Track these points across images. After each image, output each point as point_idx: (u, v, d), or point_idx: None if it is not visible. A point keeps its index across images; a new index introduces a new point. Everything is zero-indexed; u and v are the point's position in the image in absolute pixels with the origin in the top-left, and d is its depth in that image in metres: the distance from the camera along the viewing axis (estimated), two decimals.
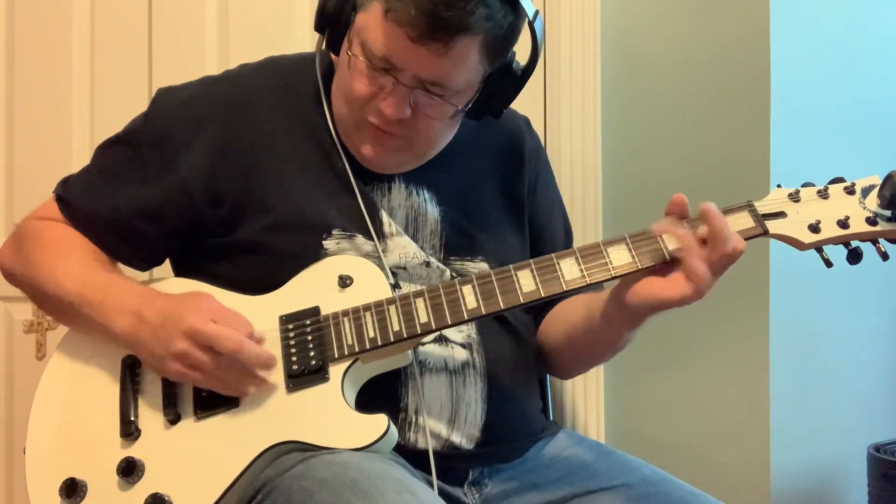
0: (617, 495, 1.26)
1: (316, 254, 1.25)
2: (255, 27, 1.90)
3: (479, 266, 1.33)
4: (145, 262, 1.36)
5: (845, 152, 1.86)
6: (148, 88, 1.91)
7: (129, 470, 1.15)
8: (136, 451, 1.17)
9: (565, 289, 1.17)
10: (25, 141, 1.98)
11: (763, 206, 1.18)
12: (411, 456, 1.20)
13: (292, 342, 1.19)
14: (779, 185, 1.20)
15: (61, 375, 1.26)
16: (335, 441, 1.12)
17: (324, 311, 1.20)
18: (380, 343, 1.17)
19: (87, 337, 1.26)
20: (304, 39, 1.86)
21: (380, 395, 1.20)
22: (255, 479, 1.13)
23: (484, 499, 1.27)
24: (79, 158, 1.84)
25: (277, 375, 1.18)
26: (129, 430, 1.18)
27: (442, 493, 1.18)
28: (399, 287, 1.25)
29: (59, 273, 1.25)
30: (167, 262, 1.39)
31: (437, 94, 1.20)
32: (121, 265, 1.34)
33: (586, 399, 1.80)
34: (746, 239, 1.14)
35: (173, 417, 1.18)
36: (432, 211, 1.33)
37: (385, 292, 1.20)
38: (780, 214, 1.17)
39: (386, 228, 1.29)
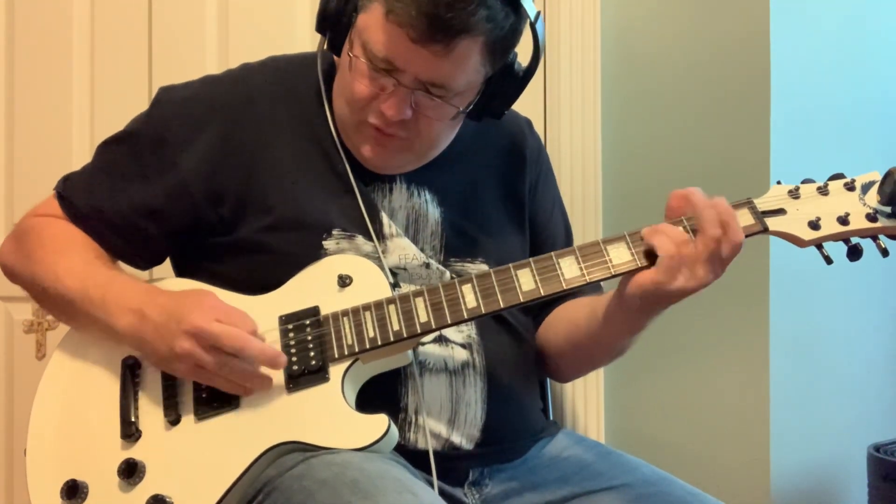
0: (617, 495, 1.26)
1: (316, 254, 1.25)
2: (255, 27, 1.90)
3: (479, 267, 1.32)
4: (146, 260, 1.35)
5: (845, 152, 1.86)
6: (148, 88, 1.91)
7: (130, 471, 1.15)
8: (136, 452, 1.17)
9: (565, 287, 1.17)
10: (25, 141, 1.98)
11: (763, 203, 1.18)
12: (411, 456, 1.20)
13: (292, 342, 1.19)
14: (778, 182, 1.20)
15: (61, 376, 1.26)
16: (336, 441, 1.12)
17: (323, 311, 1.20)
18: (380, 343, 1.17)
19: (87, 337, 1.26)
20: (304, 39, 1.86)
21: (380, 395, 1.20)
22: (255, 480, 1.13)
23: (484, 499, 1.27)
24: (79, 158, 1.84)
25: (278, 376, 1.17)
26: (130, 432, 1.18)
27: (442, 494, 1.18)
28: (399, 286, 1.25)
29: (60, 270, 1.24)
30: (167, 262, 1.39)
31: (439, 95, 1.20)
32: (121, 264, 1.34)
33: (586, 399, 1.80)
34: (746, 236, 1.14)
35: (174, 418, 1.18)
36: (433, 212, 1.33)
37: (385, 292, 1.20)
38: (780, 211, 1.17)
39: (386, 230, 1.29)
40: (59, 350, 1.29)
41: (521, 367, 1.35)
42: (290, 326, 1.20)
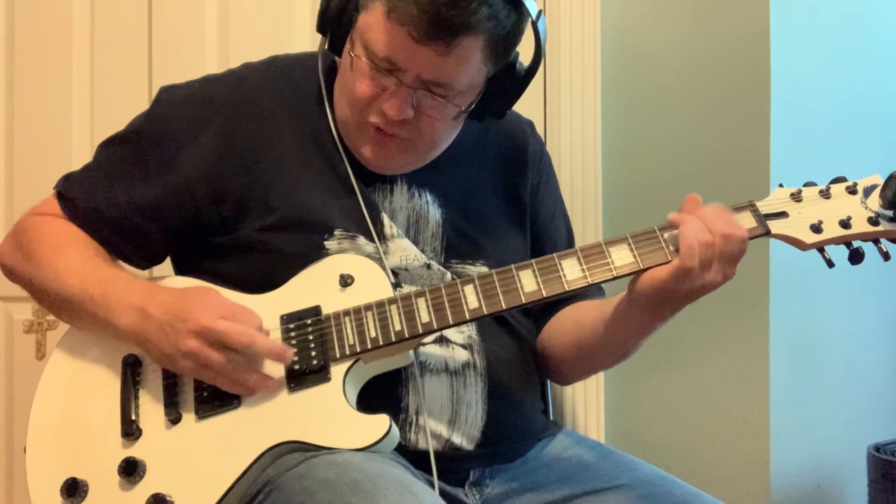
0: (617, 495, 1.26)
1: (318, 254, 1.25)
2: (255, 27, 1.90)
3: (479, 269, 1.32)
4: (146, 259, 1.35)
5: (845, 152, 1.86)
6: (148, 88, 1.91)
7: (131, 470, 1.15)
8: (137, 450, 1.17)
9: (567, 289, 1.16)
10: (25, 141, 1.98)
11: (765, 206, 1.18)
12: (412, 456, 1.20)
13: (293, 342, 1.19)
14: (781, 185, 1.20)
15: (62, 374, 1.26)
16: (337, 441, 1.12)
17: (325, 311, 1.20)
18: (381, 343, 1.16)
19: (88, 335, 1.26)
20: (303, 39, 1.86)
21: (380, 395, 1.20)
22: (256, 479, 1.12)
23: (485, 499, 1.27)
24: (79, 158, 1.84)
25: (279, 375, 1.17)
26: (131, 430, 1.18)
27: (443, 494, 1.17)
28: (400, 286, 1.25)
29: (59, 268, 1.24)
30: (167, 260, 1.39)
31: (440, 94, 1.20)
32: (121, 262, 1.33)
33: (586, 399, 1.80)
34: (749, 239, 1.15)
35: (174, 417, 1.18)
36: (434, 213, 1.33)
37: (386, 292, 1.20)
38: (782, 214, 1.17)
39: (387, 230, 1.29)
40: (60, 348, 1.28)
41: (522, 367, 1.35)
42: (292, 326, 1.20)
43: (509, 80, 1.26)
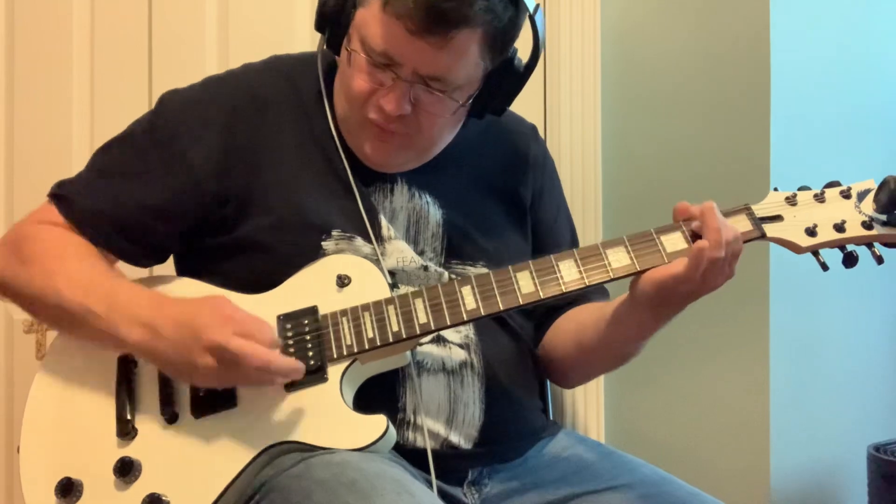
0: (617, 495, 1.26)
1: (315, 254, 1.25)
2: (255, 27, 1.90)
3: (480, 271, 1.32)
4: (149, 259, 1.33)
5: (845, 154, 1.86)
6: (148, 89, 1.91)
7: (126, 470, 1.14)
8: (132, 450, 1.17)
9: (564, 290, 1.17)
10: (25, 141, 1.97)
11: (760, 210, 1.19)
12: (410, 455, 1.20)
13: (290, 342, 1.19)
14: (776, 189, 1.21)
15: (56, 373, 1.25)
16: (334, 441, 1.12)
17: (322, 311, 1.20)
18: (379, 343, 1.16)
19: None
20: (303, 39, 1.86)
21: (377, 395, 1.20)
22: (253, 479, 1.12)
23: (483, 498, 1.27)
24: (79, 159, 1.84)
25: None
26: (126, 430, 1.18)
27: (441, 493, 1.18)
28: (397, 287, 1.25)
29: (57, 279, 1.19)
30: (170, 260, 1.39)
31: (438, 89, 1.20)
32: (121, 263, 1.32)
33: (586, 399, 1.80)
34: (744, 242, 1.16)
35: (170, 417, 1.17)
36: (434, 213, 1.33)
37: (384, 292, 1.20)
38: (777, 218, 1.19)
39: (384, 232, 1.29)
40: (54, 347, 1.28)
41: (520, 366, 1.35)
42: (289, 326, 1.20)
43: (508, 76, 1.26)
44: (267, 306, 1.21)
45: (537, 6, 1.22)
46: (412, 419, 1.22)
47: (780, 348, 1.73)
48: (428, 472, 1.19)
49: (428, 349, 1.24)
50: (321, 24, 1.25)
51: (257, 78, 1.34)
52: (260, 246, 1.26)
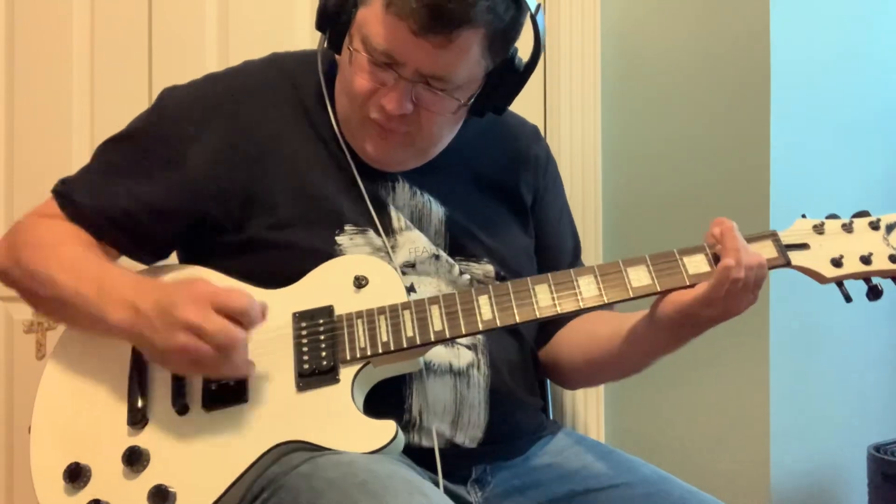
0: (617, 494, 1.26)
1: (329, 249, 1.24)
2: (255, 27, 1.90)
3: (484, 268, 1.32)
4: (151, 255, 1.33)
5: (846, 155, 1.86)
6: (148, 88, 1.91)
7: (134, 459, 1.14)
8: (142, 440, 1.16)
9: (582, 306, 1.16)
10: (25, 141, 1.98)
11: (787, 237, 1.18)
12: (414, 454, 1.20)
13: (304, 340, 1.18)
14: (803, 216, 1.20)
15: (70, 358, 1.25)
16: (342, 444, 1.11)
17: (338, 311, 1.19)
18: (392, 348, 1.16)
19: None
20: (303, 39, 1.86)
21: (383, 395, 1.20)
22: (260, 476, 1.12)
23: (486, 497, 1.27)
24: (79, 158, 1.83)
25: (288, 373, 1.17)
26: (136, 419, 1.17)
27: (446, 492, 1.17)
28: (414, 290, 1.25)
29: (52, 267, 1.21)
30: (173, 256, 1.38)
31: (439, 88, 1.20)
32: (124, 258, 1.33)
33: (586, 399, 1.80)
34: (769, 269, 1.15)
35: (181, 408, 1.17)
36: (436, 211, 1.33)
37: (400, 296, 1.20)
38: (804, 246, 1.18)
39: (395, 223, 1.29)
40: (68, 332, 1.27)
41: (522, 366, 1.35)
42: (304, 324, 1.19)
43: (508, 75, 1.25)
44: (283, 302, 1.20)
45: (538, 6, 1.22)
46: (418, 420, 1.22)
47: (780, 348, 1.73)
48: (432, 471, 1.19)
49: (436, 350, 1.23)
50: (322, 23, 1.25)
51: (258, 75, 1.34)
52: (272, 243, 1.25)
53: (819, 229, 1.18)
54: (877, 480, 1.75)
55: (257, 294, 1.19)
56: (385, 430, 1.12)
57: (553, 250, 1.43)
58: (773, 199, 1.70)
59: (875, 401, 1.95)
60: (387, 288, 1.21)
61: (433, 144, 1.29)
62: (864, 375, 1.93)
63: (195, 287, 1.13)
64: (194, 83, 1.34)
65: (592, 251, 1.74)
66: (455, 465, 1.23)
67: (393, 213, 1.29)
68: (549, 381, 1.54)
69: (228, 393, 1.17)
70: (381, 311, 1.18)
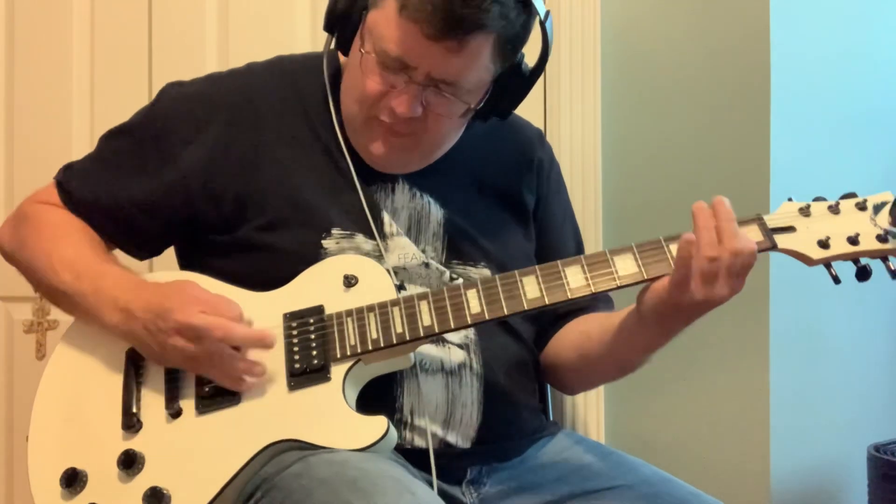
0: (617, 495, 1.25)
1: (316, 253, 1.25)
2: (255, 27, 1.90)
3: (481, 272, 1.32)
4: (142, 250, 1.36)
5: (845, 153, 1.86)
6: (148, 88, 1.91)
7: (129, 462, 1.15)
8: (136, 443, 1.18)
9: (570, 297, 1.16)
10: (25, 140, 1.98)
11: (772, 220, 1.16)
12: (407, 455, 1.20)
13: (295, 340, 1.19)
14: (789, 199, 1.19)
15: (65, 366, 1.26)
16: (335, 441, 1.12)
17: (328, 311, 1.20)
18: (382, 344, 1.17)
19: (92, 328, 1.26)
20: (304, 39, 1.86)
21: (375, 394, 1.20)
22: (254, 476, 1.13)
23: (482, 498, 1.27)
24: (79, 157, 1.84)
25: (279, 373, 1.18)
26: (131, 423, 1.18)
27: (440, 493, 1.17)
28: (404, 289, 1.25)
29: (54, 260, 1.25)
30: (172, 254, 1.39)
31: (449, 92, 1.20)
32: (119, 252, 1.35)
33: (586, 400, 1.80)
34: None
35: (175, 411, 1.18)
36: (436, 213, 1.33)
37: (390, 294, 1.20)
38: (790, 229, 1.16)
39: (387, 228, 1.29)
40: (64, 339, 1.29)
41: (518, 367, 1.34)
42: (294, 324, 1.20)
43: (515, 80, 1.26)
44: (273, 304, 1.22)
45: (548, 12, 1.23)
46: (409, 419, 1.22)
47: (780, 349, 1.73)
48: (425, 471, 1.19)
49: (427, 349, 1.24)
50: (330, 24, 1.25)
51: (259, 77, 1.34)
52: (261, 245, 1.26)
53: (805, 212, 1.17)
54: (877, 480, 1.75)
55: (249, 297, 1.22)
56: (377, 425, 1.13)
57: (555, 256, 1.43)
58: (773, 198, 1.70)
59: (875, 401, 1.95)
60: (376, 286, 1.21)
61: (438, 147, 1.30)
62: (864, 375, 1.93)
63: (186, 291, 1.18)
64: (196, 82, 1.35)
65: (593, 251, 1.74)
66: (449, 465, 1.24)
67: (386, 218, 1.29)
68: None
69: (221, 394, 1.18)
70: (371, 308, 1.19)
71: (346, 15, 1.23)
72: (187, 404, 1.19)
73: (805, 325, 1.80)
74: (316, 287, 1.23)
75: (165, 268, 1.39)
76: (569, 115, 1.82)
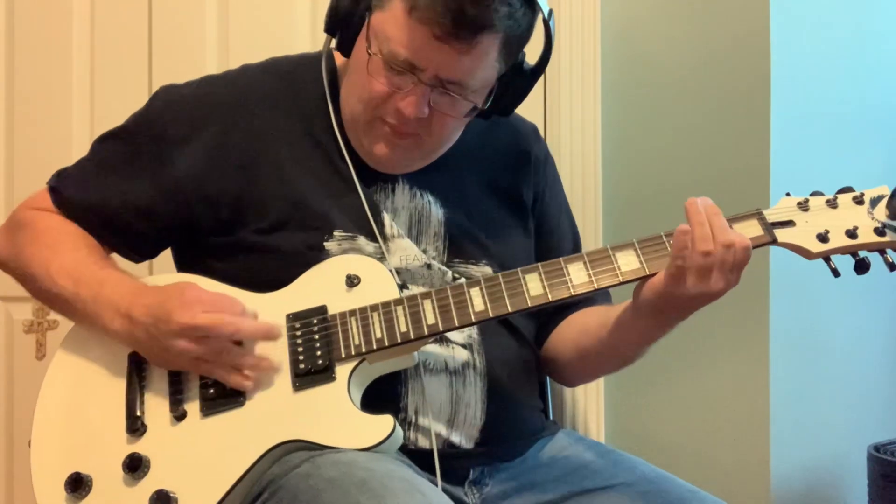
0: (616, 494, 1.26)
1: (317, 254, 1.25)
2: (255, 27, 1.90)
3: (482, 270, 1.32)
4: (138, 254, 1.35)
5: (846, 154, 1.86)
6: (148, 88, 1.91)
7: (135, 466, 1.15)
8: (141, 446, 1.17)
9: (573, 293, 1.17)
10: (25, 140, 1.98)
11: (772, 215, 1.18)
12: (411, 455, 1.20)
13: (299, 341, 1.19)
14: (788, 194, 1.20)
15: (67, 369, 1.26)
16: (341, 441, 1.12)
17: (331, 311, 1.20)
18: (386, 343, 1.17)
19: (94, 332, 1.25)
20: (304, 39, 1.86)
21: (379, 394, 1.20)
22: (260, 477, 1.13)
23: (484, 498, 1.27)
24: (78, 158, 1.84)
25: (284, 374, 1.18)
26: (135, 426, 1.18)
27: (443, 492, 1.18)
28: (406, 287, 1.25)
29: (52, 268, 1.24)
30: (169, 256, 1.39)
31: (456, 92, 1.20)
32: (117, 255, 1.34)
33: (586, 399, 1.80)
34: (755, 247, 1.14)
35: (179, 414, 1.18)
36: (436, 213, 1.33)
37: (392, 293, 1.20)
38: (789, 223, 1.17)
39: (388, 230, 1.29)
40: (65, 343, 1.28)
41: (521, 367, 1.35)
42: (298, 325, 1.20)
43: (517, 79, 1.26)
44: (276, 305, 1.21)
45: (551, 11, 1.23)
46: (413, 419, 1.22)
47: (780, 348, 1.73)
48: (429, 471, 1.19)
49: (431, 349, 1.24)
50: (332, 26, 1.25)
51: (254, 79, 1.34)
52: (261, 247, 1.26)
53: (804, 206, 1.18)
54: (877, 480, 1.75)
55: (251, 298, 1.21)
56: (383, 424, 1.13)
57: (553, 250, 1.43)
58: (774, 198, 1.70)
59: (875, 401, 1.95)
60: (379, 285, 1.21)
61: (441, 146, 1.30)
62: (864, 375, 1.93)
63: (186, 292, 1.17)
64: (191, 84, 1.35)
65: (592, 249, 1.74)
66: (452, 465, 1.24)
67: (387, 220, 1.29)
68: (549, 382, 1.54)
69: (225, 396, 1.17)
70: (374, 307, 1.19)
71: (349, 16, 1.23)
72: (192, 407, 1.18)
73: (805, 324, 1.80)
74: (318, 287, 1.22)
75: (165, 270, 1.39)
76: (569, 114, 1.82)
